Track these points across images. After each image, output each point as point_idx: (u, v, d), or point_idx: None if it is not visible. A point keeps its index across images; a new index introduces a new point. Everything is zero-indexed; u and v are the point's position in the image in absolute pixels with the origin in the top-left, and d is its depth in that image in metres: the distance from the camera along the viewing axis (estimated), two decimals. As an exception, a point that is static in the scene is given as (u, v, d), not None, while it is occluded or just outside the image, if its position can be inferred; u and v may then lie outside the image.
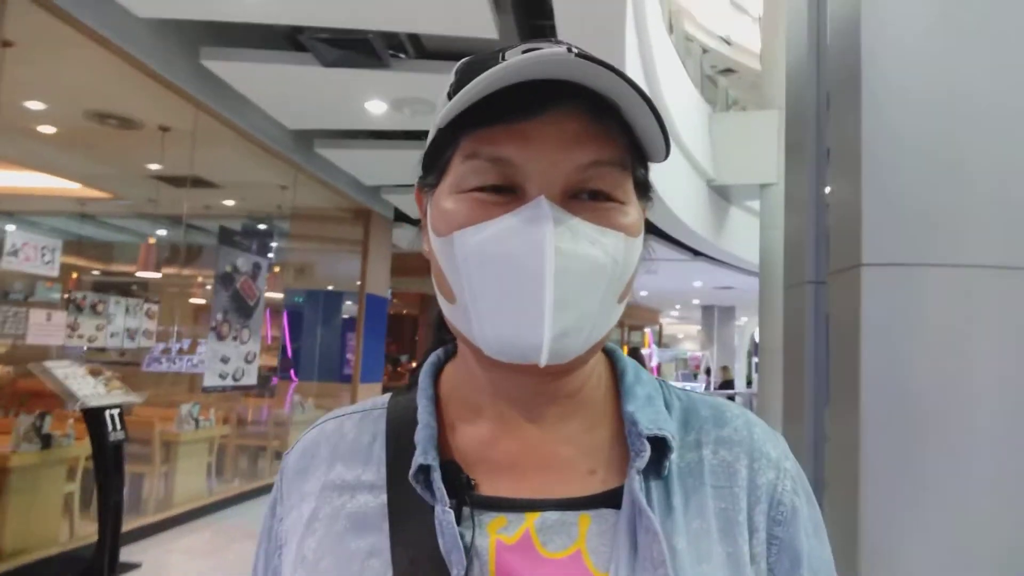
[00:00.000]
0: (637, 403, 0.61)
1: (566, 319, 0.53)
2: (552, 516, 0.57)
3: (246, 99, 5.70)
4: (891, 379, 1.95)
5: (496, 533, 0.56)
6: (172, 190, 7.32)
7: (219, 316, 6.07)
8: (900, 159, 2.00)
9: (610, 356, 0.68)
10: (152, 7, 4.29)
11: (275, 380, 9.04)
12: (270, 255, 7.27)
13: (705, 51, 13.65)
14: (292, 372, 9.41)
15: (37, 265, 4.59)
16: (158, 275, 7.51)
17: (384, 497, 0.59)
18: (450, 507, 0.56)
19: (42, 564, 4.57)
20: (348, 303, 9.95)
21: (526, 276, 0.53)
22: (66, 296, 5.45)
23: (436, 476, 0.57)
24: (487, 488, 0.59)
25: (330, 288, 10.19)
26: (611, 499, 0.58)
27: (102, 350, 6.03)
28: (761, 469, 0.61)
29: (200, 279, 8.75)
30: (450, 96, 0.57)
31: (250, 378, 6.48)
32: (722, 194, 10.37)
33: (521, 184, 0.55)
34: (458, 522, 0.55)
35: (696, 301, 21.68)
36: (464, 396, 0.64)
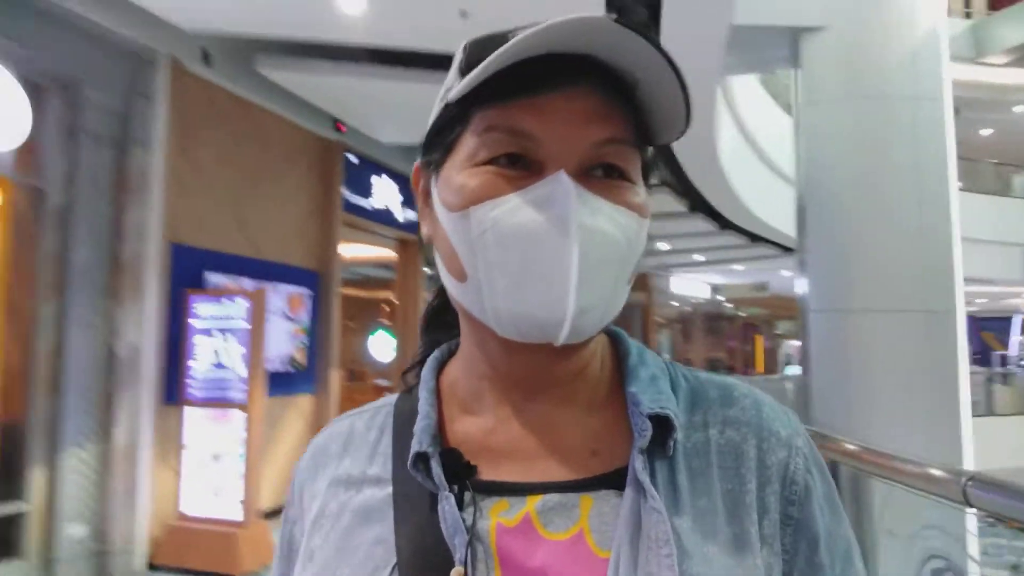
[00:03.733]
0: (640, 384, 0.61)
1: (586, 297, 0.53)
2: (553, 498, 0.57)
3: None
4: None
5: (497, 516, 0.56)
6: None
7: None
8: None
9: (614, 338, 0.67)
10: None
11: None
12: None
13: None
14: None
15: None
16: None
17: (390, 489, 0.60)
18: (450, 492, 0.56)
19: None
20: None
21: (549, 253, 0.52)
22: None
23: (434, 463, 0.58)
24: (489, 473, 0.59)
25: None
26: (613, 480, 0.57)
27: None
28: (771, 449, 0.60)
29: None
30: (462, 72, 0.56)
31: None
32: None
33: (538, 158, 0.55)
34: (460, 508, 0.56)
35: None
36: (466, 386, 0.64)
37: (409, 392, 0.68)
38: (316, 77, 5.55)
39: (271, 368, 5.49)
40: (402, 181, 7.66)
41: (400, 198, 7.71)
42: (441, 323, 0.71)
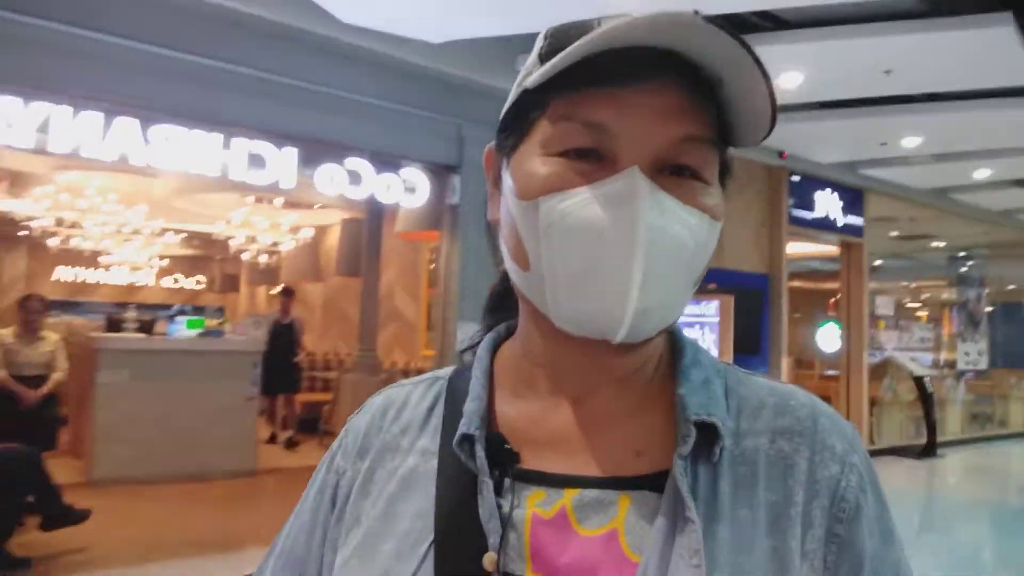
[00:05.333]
0: (690, 386, 0.59)
1: (648, 298, 0.52)
2: (591, 494, 0.56)
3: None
4: None
5: (534, 506, 0.56)
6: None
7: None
8: None
9: (672, 336, 0.65)
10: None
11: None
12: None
13: None
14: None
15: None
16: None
17: (435, 463, 0.60)
18: (491, 477, 0.56)
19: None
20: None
21: (615, 250, 0.51)
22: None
23: (479, 447, 0.57)
24: (531, 462, 0.58)
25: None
26: (655, 482, 0.56)
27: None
28: (823, 462, 0.58)
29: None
30: (542, 59, 0.55)
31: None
32: None
33: (612, 152, 0.53)
34: (499, 493, 0.56)
35: None
36: (519, 370, 0.63)
37: (465, 368, 0.67)
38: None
39: (735, 355, 7.12)
40: (840, 190, 8.59)
41: (840, 203, 8.65)
42: (503, 307, 0.70)
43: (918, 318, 13.09)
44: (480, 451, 0.57)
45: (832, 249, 9.42)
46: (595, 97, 0.53)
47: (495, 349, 0.68)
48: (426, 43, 4.88)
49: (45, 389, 4.99)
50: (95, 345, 6.09)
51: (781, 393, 0.62)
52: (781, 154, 7.78)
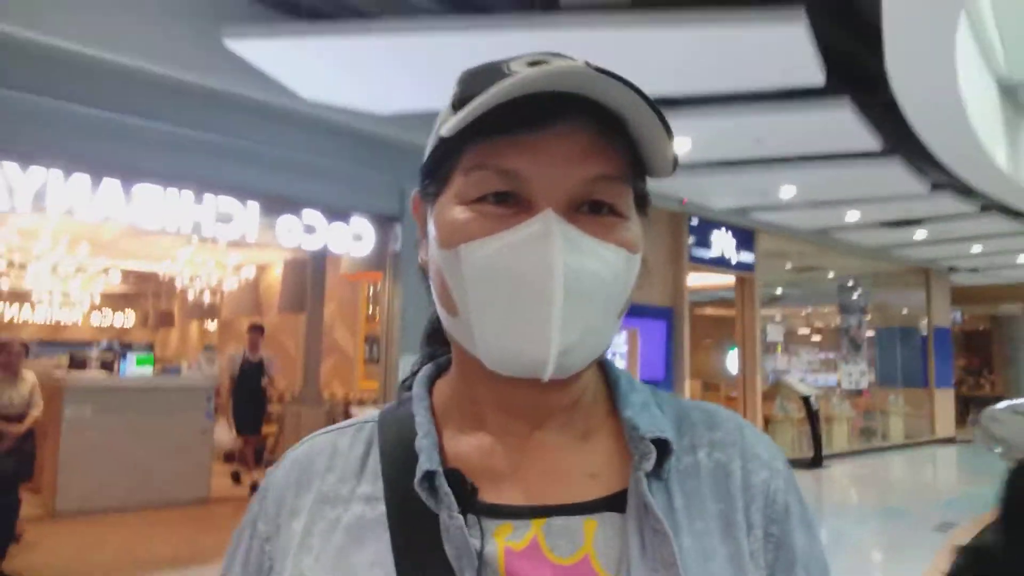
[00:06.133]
0: (634, 409, 0.62)
1: (571, 336, 0.53)
2: (558, 521, 0.57)
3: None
4: None
5: (504, 540, 0.56)
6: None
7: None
8: None
9: (602, 366, 0.67)
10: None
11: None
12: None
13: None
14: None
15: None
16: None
17: (382, 508, 0.59)
18: (458, 513, 0.55)
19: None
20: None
21: (534, 292, 0.53)
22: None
23: (442, 482, 0.57)
24: (490, 496, 0.58)
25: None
26: (614, 503, 0.58)
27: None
28: (754, 469, 0.62)
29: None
30: (455, 106, 0.56)
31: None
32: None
33: (527, 195, 0.55)
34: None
35: None
36: (462, 407, 0.63)
37: (397, 407, 0.66)
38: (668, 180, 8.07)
39: (642, 379, 8.09)
40: (734, 231, 9.79)
41: (734, 242, 9.83)
42: (440, 338, 0.70)
43: (815, 343, 14.56)
44: (445, 486, 0.56)
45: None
46: (507, 144, 0.55)
47: (431, 385, 0.67)
48: (374, 114, 5.68)
49: (25, 425, 5.45)
50: (61, 384, 6.52)
51: (707, 410, 0.67)
52: (682, 200, 8.88)
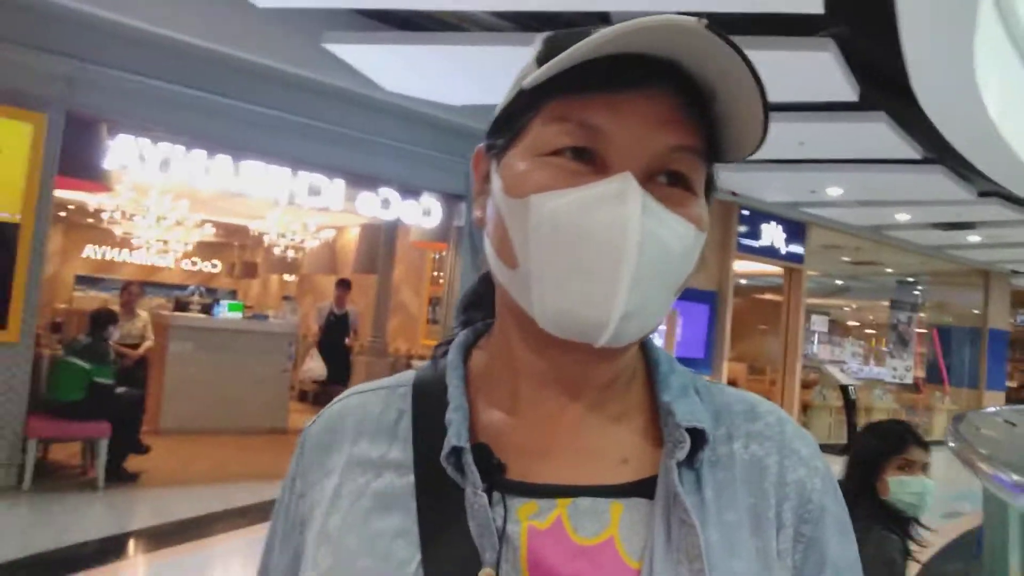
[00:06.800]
0: (672, 393, 0.60)
1: (634, 302, 0.52)
2: (584, 502, 0.56)
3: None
4: None
5: (528, 519, 0.55)
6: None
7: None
8: None
9: (643, 346, 0.65)
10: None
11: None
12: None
13: None
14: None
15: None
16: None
17: (411, 477, 0.58)
18: (482, 491, 0.55)
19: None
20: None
21: (606, 252, 0.51)
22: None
23: (469, 459, 0.56)
24: (517, 473, 0.57)
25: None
26: (644, 489, 0.57)
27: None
28: (791, 466, 0.60)
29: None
30: (539, 61, 0.55)
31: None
32: None
33: (605, 155, 0.53)
34: (489, 506, 0.54)
35: None
36: (497, 377, 0.62)
37: (432, 370, 0.65)
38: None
39: (678, 357, 8.68)
40: (784, 223, 10.17)
41: (784, 235, 10.22)
42: (478, 306, 0.70)
43: (869, 336, 14.76)
44: (471, 464, 0.56)
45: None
46: (591, 100, 0.53)
47: (466, 354, 0.66)
48: (447, 104, 6.42)
49: (141, 351, 6.52)
50: (167, 322, 7.60)
51: (748, 400, 0.65)
52: (732, 193, 9.34)
